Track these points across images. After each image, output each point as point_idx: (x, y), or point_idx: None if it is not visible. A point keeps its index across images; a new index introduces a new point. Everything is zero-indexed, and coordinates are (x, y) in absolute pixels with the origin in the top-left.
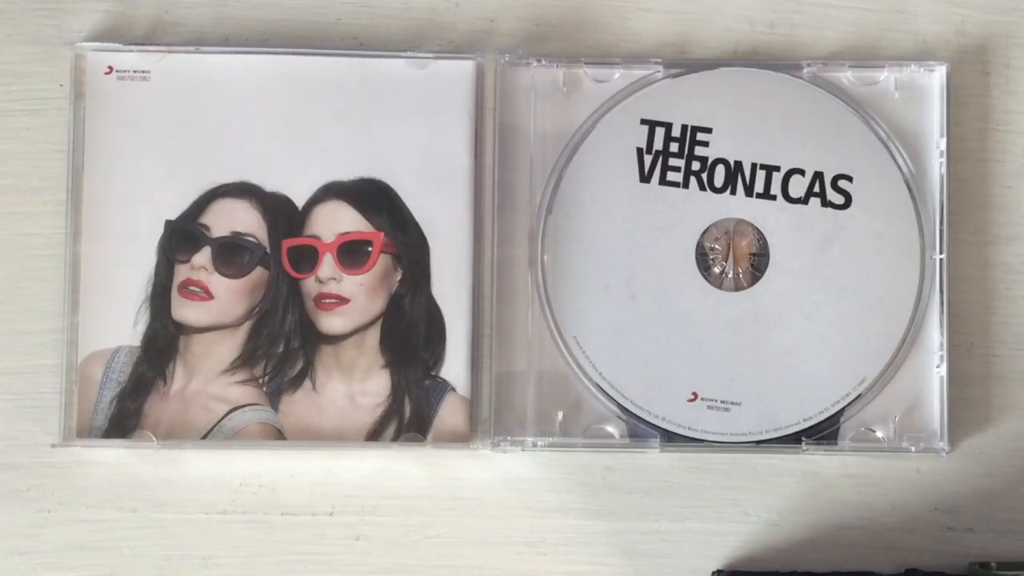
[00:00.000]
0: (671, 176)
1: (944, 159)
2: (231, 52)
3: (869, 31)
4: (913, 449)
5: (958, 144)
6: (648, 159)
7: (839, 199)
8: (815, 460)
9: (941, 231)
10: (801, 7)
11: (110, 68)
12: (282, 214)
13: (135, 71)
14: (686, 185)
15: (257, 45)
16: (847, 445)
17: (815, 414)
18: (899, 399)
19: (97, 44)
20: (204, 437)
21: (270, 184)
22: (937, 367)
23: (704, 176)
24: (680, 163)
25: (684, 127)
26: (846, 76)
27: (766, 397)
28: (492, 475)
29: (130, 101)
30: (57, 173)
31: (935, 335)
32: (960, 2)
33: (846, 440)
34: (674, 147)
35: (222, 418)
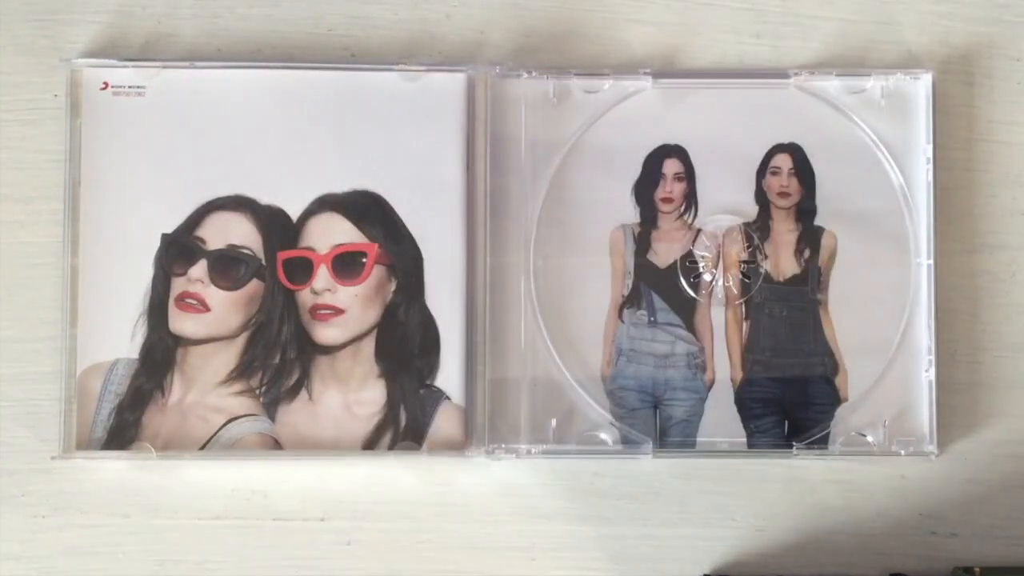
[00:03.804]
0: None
1: (931, 165)
2: (225, 67)
3: (854, 42)
4: (903, 452)
5: (943, 154)
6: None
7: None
8: (802, 466)
9: (929, 237)
10: (787, 18)
11: (105, 84)
12: (277, 226)
13: (130, 87)
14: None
15: (250, 57)
16: (838, 449)
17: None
18: (888, 404)
19: (93, 60)
20: (202, 448)
21: (265, 197)
22: (926, 371)
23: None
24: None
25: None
26: (833, 85)
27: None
28: (484, 482)
29: (125, 116)
30: (51, 183)
31: (923, 340)
32: (944, 13)
33: (836, 444)
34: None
35: (219, 429)
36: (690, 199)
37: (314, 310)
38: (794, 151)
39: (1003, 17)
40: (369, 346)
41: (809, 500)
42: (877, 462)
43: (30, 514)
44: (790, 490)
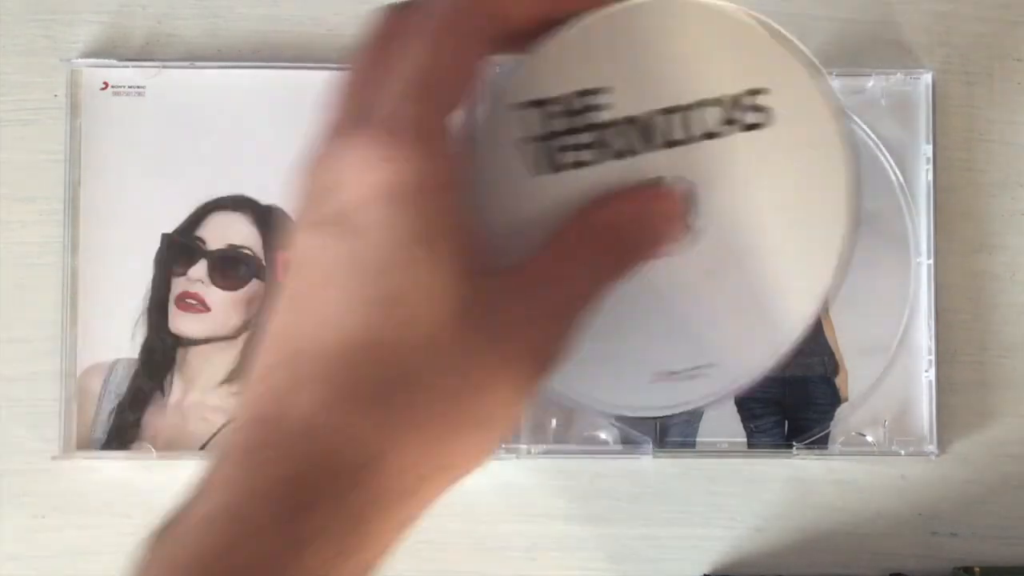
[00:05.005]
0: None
1: (931, 165)
2: (225, 67)
3: (854, 42)
4: (903, 452)
5: (943, 154)
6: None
7: None
8: (802, 466)
9: (929, 237)
10: (787, 18)
11: (105, 84)
12: (277, 226)
13: (130, 86)
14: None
15: (250, 57)
16: (838, 449)
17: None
18: (888, 404)
19: (93, 60)
20: (203, 448)
21: (265, 197)
22: (926, 372)
23: None
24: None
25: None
26: (833, 85)
27: (736, 347)
28: (484, 482)
29: (125, 116)
30: (52, 183)
31: (923, 340)
32: (944, 13)
33: (836, 444)
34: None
35: (220, 429)
36: None
37: None
38: None
39: (1003, 17)
40: None
41: (809, 500)
42: (877, 462)
43: (30, 514)
44: (790, 490)
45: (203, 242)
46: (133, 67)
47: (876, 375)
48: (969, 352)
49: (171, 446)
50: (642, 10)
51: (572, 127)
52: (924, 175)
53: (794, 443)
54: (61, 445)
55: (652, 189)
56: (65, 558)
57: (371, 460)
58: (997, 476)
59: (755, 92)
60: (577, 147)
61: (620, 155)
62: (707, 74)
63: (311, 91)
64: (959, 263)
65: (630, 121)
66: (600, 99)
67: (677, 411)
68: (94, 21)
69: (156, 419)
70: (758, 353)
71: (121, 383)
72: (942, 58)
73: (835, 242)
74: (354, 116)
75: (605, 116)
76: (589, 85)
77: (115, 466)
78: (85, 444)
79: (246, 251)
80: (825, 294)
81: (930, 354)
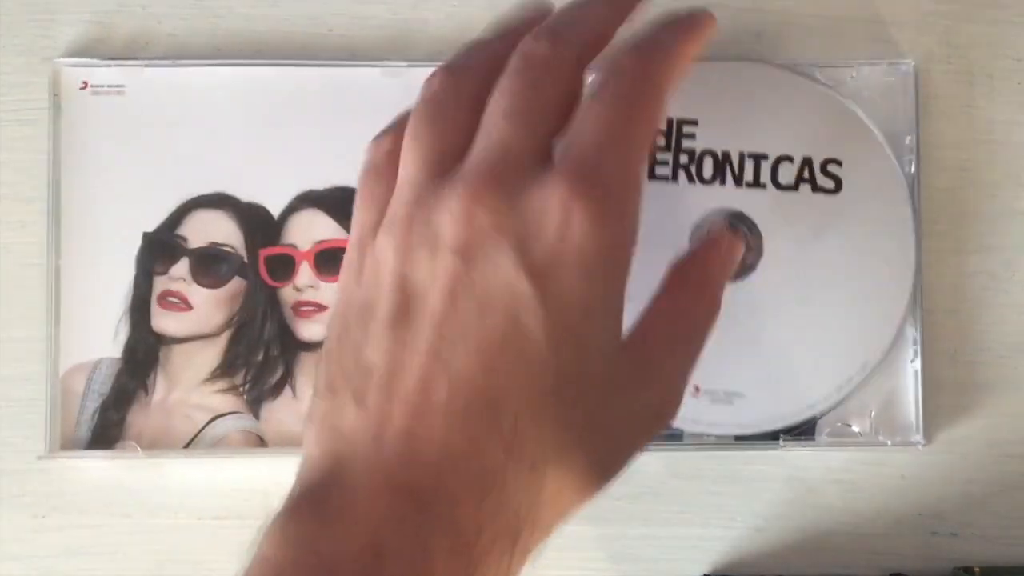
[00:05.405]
0: (659, 170)
1: (914, 156)
2: (205, 65)
3: (854, 40)
4: (889, 443)
5: (943, 153)
6: None
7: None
8: (801, 466)
9: (918, 230)
10: (787, 17)
11: (84, 83)
12: (258, 224)
13: (110, 86)
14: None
15: (251, 57)
16: (824, 440)
17: (818, 400)
18: (875, 395)
19: (72, 60)
20: (187, 446)
21: (246, 195)
22: (912, 361)
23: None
24: (667, 156)
25: (669, 120)
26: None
27: (769, 387)
28: None
29: (105, 116)
30: (43, 183)
31: (909, 331)
32: (944, 13)
33: (823, 435)
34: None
35: (204, 427)
36: None
37: (297, 307)
38: None
39: (1003, 17)
40: None
41: (809, 500)
42: (877, 462)
43: (30, 514)
44: (790, 490)
45: (184, 240)
46: (113, 66)
47: (873, 366)
48: (969, 352)
49: (156, 444)
50: (730, 67)
51: (667, 145)
52: (910, 166)
53: (781, 434)
54: (46, 445)
55: (728, 238)
56: (55, 559)
57: (532, 514)
58: (997, 476)
59: (831, 161)
60: (666, 163)
61: (700, 179)
62: (788, 133)
63: (291, 88)
64: (957, 262)
65: (711, 154)
66: (691, 129)
67: (722, 432)
68: (95, 21)
69: (140, 418)
70: (784, 405)
71: (104, 382)
72: (942, 58)
73: (888, 327)
74: (541, 152)
75: (692, 144)
76: (685, 115)
77: (101, 465)
78: (69, 444)
79: (228, 249)
80: (861, 380)
81: (915, 344)
